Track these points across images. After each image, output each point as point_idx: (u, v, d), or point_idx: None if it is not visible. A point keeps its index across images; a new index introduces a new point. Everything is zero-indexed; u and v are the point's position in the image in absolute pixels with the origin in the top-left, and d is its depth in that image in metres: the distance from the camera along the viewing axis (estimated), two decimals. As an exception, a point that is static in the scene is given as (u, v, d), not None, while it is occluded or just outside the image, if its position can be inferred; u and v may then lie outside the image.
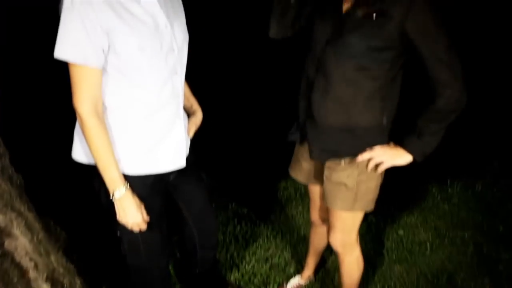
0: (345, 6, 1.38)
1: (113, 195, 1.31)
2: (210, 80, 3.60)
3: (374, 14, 1.28)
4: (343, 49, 1.35)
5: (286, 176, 1.81)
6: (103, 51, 1.19)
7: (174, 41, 1.32)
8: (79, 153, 1.38)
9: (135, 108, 1.31)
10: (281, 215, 2.69)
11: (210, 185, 1.79)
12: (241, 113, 3.74)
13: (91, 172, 1.35)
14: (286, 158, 1.78)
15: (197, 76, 1.72)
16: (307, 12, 1.47)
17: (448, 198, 2.83)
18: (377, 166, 1.46)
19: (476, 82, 2.09)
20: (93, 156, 1.27)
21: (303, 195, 2.82)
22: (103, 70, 1.23)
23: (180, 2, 1.45)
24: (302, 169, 1.69)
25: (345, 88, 1.39)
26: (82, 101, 1.20)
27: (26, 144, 2.68)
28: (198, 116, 1.58)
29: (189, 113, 1.58)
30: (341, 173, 1.49)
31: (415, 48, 1.30)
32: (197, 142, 1.60)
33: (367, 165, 1.46)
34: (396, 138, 1.49)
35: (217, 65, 4.22)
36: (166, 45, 1.29)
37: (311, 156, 1.55)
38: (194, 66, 1.53)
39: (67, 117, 1.50)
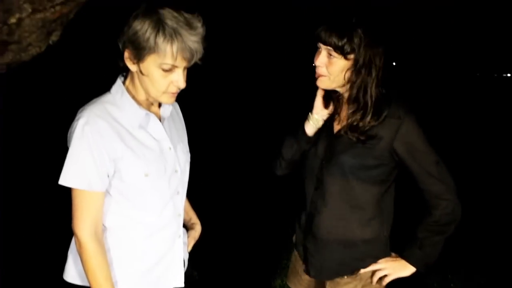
0: (336, 128, 1.46)
1: None
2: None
3: (365, 138, 1.36)
4: (337, 168, 1.41)
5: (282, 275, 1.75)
6: (108, 176, 1.21)
7: (177, 163, 1.35)
8: (73, 275, 1.34)
9: (135, 230, 1.30)
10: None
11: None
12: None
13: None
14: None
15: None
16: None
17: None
18: (380, 278, 1.45)
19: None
20: (88, 279, 1.24)
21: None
22: (106, 192, 1.24)
23: (183, 123, 1.50)
24: (301, 281, 1.64)
25: (342, 205, 1.43)
26: (83, 226, 1.20)
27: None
28: (197, 230, 1.58)
29: (187, 227, 1.57)
30: (345, 287, 1.48)
31: (405, 164, 1.37)
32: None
33: (370, 276, 1.46)
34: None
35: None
36: (170, 167, 1.32)
37: (312, 274, 1.53)
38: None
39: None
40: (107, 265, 1.25)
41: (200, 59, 1.18)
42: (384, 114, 1.35)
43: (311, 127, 1.51)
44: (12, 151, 4.01)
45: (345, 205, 1.44)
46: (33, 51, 1.13)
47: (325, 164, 1.46)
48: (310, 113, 1.50)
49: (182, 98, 1.37)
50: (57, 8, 1.04)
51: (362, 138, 1.36)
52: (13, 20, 1.00)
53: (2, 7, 0.96)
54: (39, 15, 1.03)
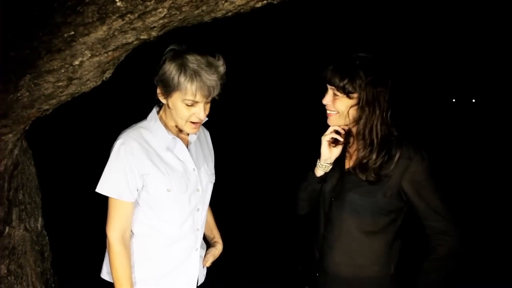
0: (347, 164, 1.50)
1: None
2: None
3: (374, 178, 1.40)
4: (346, 206, 1.45)
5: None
6: (137, 189, 1.43)
7: (199, 183, 1.52)
8: (105, 272, 1.56)
9: (157, 238, 1.49)
10: None
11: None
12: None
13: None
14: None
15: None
16: None
17: None
18: None
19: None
20: (112, 275, 1.44)
21: None
22: (135, 203, 1.45)
23: (211, 148, 1.68)
24: None
25: (352, 242, 1.47)
26: (113, 229, 1.42)
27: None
28: (218, 249, 1.72)
29: (210, 244, 1.72)
30: None
31: (411, 202, 1.40)
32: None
33: None
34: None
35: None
36: (192, 186, 1.49)
37: None
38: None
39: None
40: (129, 266, 1.43)
41: (218, 95, 1.36)
42: (397, 155, 1.38)
43: (320, 172, 1.55)
44: (67, 162, 4.84)
45: (354, 241, 1.46)
46: (91, 85, 1.43)
47: (334, 201, 1.49)
48: (318, 160, 1.54)
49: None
50: (110, 53, 1.33)
51: (371, 178, 1.39)
52: (76, 62, 1.30)
53: (69, 53, 1.27)
54: (96, 59, 1.32)
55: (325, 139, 1.51)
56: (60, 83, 1.35)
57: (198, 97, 1.34)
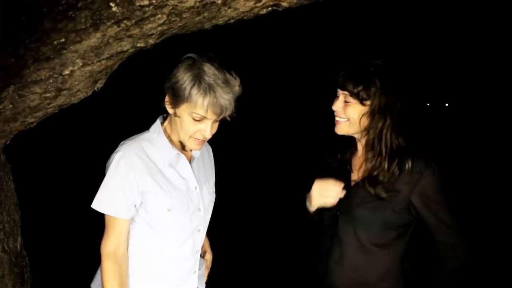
0: (354, 177, 1.45)
1: None
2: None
3: (383, 193, 1.35)
4: (353, 221, 1.40)
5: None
6: (135, 206, 1.34)
7: (201, 202, 1.44)
8: (97, 284, 1.48)
9: (154, 259, 1.40)
10: None
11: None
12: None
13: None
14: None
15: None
16: None
17: None
18: None
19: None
20: None
21: None
22: (132, 219, 1.37)
23: (213, 165, 1.60)
24: None
25: (360, 256, 1.42)
26: (106, 244, 1.34)
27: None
28: (209, 259, 1.66)
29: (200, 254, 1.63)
30: None
31: (421, 216, 1.36)
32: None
33: None
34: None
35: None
36: (193, 206, 1.41)
37: None
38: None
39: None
40: (118, 283, 1.33)
41: (230, 116, 1.27)
42: (407, 168, 1.33)
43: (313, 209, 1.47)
44: (48, 176, 4.53)
45: (362, 256, 1.41)
46: (81, 95, 1.32)
47: (340, 215, 1.44)
48: (307, 199, 1.47)
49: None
50: (103, 62, 1.23)
51: (382, 195, 1.34)
52: (66, 72, 1.20)
53: (59, 62, 1.16)
54: (88, 68, 1.22)
55: (328, 199, 1.40)
56: (48, 94, 1.24)
57: (209, 114, 1.25)
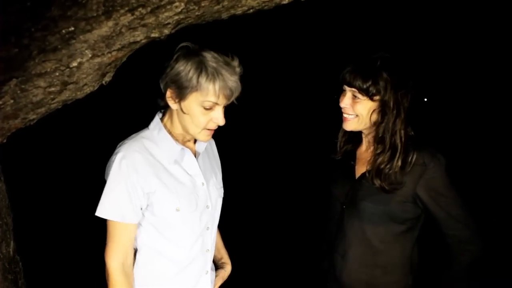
0: (359, 171, 1.43)
1: None
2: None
3: (388, 186, 1.32)
4: (358, 214, 1.38)
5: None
6: (141, 209, 1.26)
7: (209, 198, 1.37)
8: None
9: (163, 265, 1.32)
10: None
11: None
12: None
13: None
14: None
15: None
16: None
17: None
18: None
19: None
20: None
21: None
22: (138, 224, 1.28)
23: (218, 159, 1.53)
24: None
25: (364, 250, 1.39)
26: (113, 256, 1.24)
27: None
28: (227, 270, 1.58)
29: (218, 266, 1.58)
30: None
31: (429, 210, 1.33)
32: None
33: None
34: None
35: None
36: (202, 203, 1.34)
37: None
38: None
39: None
40: None
41: (237, 98, 1.23)
42: (411, 160, 1.31)
43: None
44: (42, 175, 4.30)
45: (368, 250, 1.39)
46: (87, 90, 1.22)
47: (346, 209, 1.42)
48: None
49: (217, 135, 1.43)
50: (113, 53, 1.14)
51: (385, 186, 1.32)
52: (74, 64, 1.10)
53: (67, 53, 1.06)
54: (97, 60, 1.12)
55: None
56: (52, 89, 1.13)
57: (221, 99, 1.20)
